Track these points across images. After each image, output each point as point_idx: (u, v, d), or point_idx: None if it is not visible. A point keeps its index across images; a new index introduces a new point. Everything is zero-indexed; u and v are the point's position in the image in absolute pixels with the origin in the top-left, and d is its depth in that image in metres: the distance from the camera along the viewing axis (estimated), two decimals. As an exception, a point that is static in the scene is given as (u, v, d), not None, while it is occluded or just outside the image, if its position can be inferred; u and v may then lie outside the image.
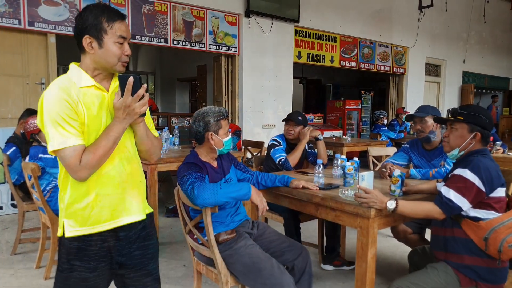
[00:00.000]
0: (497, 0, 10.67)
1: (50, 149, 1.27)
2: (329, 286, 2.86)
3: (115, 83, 1.42)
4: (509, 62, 11.71)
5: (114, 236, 1.41)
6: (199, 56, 7.71)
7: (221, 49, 6.15)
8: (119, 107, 1.30)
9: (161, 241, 3.74)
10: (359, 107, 9.08)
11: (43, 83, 4.83)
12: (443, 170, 2.58)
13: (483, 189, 1.73)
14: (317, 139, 3.21)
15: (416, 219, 2.55)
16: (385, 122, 7.46)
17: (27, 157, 3.02)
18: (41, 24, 4.63)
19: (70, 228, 1.35)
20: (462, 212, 1.79)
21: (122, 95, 1.31)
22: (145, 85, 1.34)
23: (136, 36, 5.30)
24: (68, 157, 1.26)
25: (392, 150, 4.29)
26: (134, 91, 1.30)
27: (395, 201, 1.80)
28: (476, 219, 1.78)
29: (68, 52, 8.23)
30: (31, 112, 3.35)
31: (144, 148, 1.50)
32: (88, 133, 1.32)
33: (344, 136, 6.81)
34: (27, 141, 3.20)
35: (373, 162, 4.08)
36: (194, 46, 5.88)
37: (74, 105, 1.28)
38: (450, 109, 1.89)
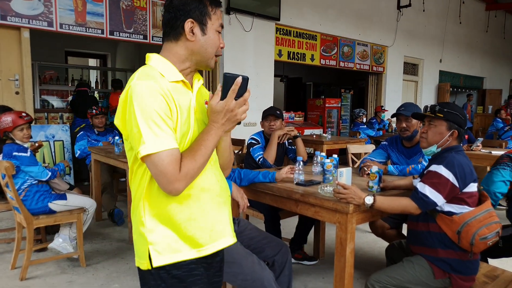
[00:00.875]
0: (472, 1, 10.97)
1: (143, 153, 1.02)
2: (309, 281, 2.89)
3: (198, 82, 1.24)
4: (483, 62, 12.07)
5: (212, 262, 1.22)
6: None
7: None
8: (220, 110, 1.11)
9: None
10: (339, 105, 9.19)
11: (17, 79, 4.70)
12: (419, 167, 2.65)
13: (457, 184, 1.79)
14: (296, 137, 3.24)
15: (393, 215, 2.61)
16: (364, 120, 7.58)
17: (1, 155, 2.94)
18: (14, 18, 4.49)
19: (159, 256, 1.11)
20: (437, 207, 1.84)
21: (223, 97, 1.12)
22: (249, 89, 1.16)
23: (115, 32, 5.21)
24: (164, 163, 1.02)
25: (371, 147, 4.36)
26: (239, 94, 1.12)
27: (373, 197, 1.84)
28: (450, 214, 1.83)
29: (44, 48, 8.01)
30: (4, 109, 3.26)
31: (224, 161, 1.32)
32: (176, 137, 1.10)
33: (324, 134, 6.88)
34: (0, 139, 3.11)
35: (352, 159, 4.14)
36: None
37: (169, 101, 1.07)
38: (428, 106, 1.92)
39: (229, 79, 1.11)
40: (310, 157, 3.62)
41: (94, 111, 4.70)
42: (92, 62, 11.81)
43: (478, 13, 11.37)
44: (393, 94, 9.34)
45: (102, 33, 5.09)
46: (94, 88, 9.42)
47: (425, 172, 1.92)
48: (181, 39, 1.15)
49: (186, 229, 1.13)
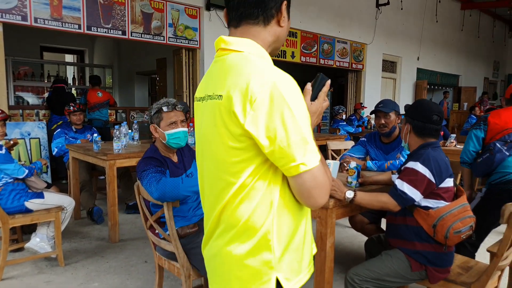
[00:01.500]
0: (448, 0, 11.22)
1: (310, 165, 0.87)
2: (291, 276, 2.92)
3: None
4: (458, 60, 12.37)
5: None
6: (158, 49, 7.55)
7: (181, 42, 6.05)
8: (315, 111, 1.05)
9: (121, 237, 3.66)
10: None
11: (-10, 75, 4.55)
12: (397, 162, 2.71)
13: (434, 180, 1.84)
14: None
15: (372, 210, 2.67)
16: (344, 117, 7.68)
17: (-26, 153, 2.85)
18: (-13, 12, 4.35)
19: (289, 283, 0.97)
20: (415, 203, 1.89)
21: (313, 97, 1.07)
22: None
23: (92, 28, 5.10)
24: (321, 175, 0.89)
25: (350, 143, 4.43)
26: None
27: (354, 192, 1.88)
28: (427, 208, 1.89)
29: (18, 42, 7.78)
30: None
31: None
32: None
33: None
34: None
35: (332, 155, 4.20)
36: (153, 38, 5.75)
37: None
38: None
39: (322, 80, 1.09)
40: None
41: (71, 108, 4.60)
42: (69, 58, 11.55)
43: (453, 12, 11.65)
44: (372, 91, 9.49)
45: (79, 28, 4.98)
46: (72, 84, 9.22)
47: (402, 168, 1.97)
48: (271, 23, 1.01)
49: (302, 250, 1.02)
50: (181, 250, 1.95)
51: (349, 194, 1.88)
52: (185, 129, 2.15)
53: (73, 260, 3.15)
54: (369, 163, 2.80)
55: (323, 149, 4.19)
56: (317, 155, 0.89)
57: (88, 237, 3.68)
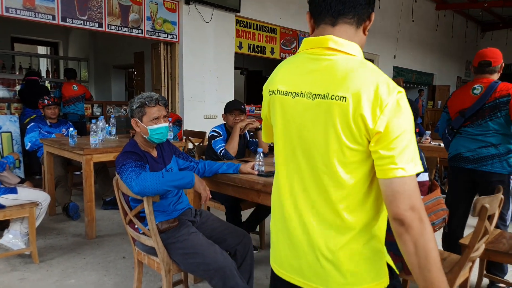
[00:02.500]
0: (424, 0, 11.48)
1: (415, 170, 0.91)
2: (270, 269, 2.95)
3: None
4: (433, 59, 12.68)
5: None
6: (136, 42, 7.42)
7: (160, 36, 5.97)
8: None
9: (98, 234, 3.60)
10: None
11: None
12: None
13: None
14: (257, 129, 3.28)
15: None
16: None
17: None
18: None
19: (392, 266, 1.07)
20: None
21: None
22: None
23: (67, 19, 4.96)
24: (413, 187, 0.92)
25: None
26: None
27: None
28: None
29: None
30: None
31: None
32: None
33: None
34: None
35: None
36: (131, 32, 5.64)
37: None
38: None
39: None
40: (271, 149, 3.67)
41: (46, 101, 4.47)
42: (42, 49, 11.19)
43: (428, 12, 11.91)
44: None
45: (53, 19, 4.83)
46: (45, 77, 8.96)
47: None
48: (360, 28, 1.02)
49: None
50: (161, 245, 1.94)
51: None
52: (167, 124, 2.13)
53: (48, 257, 3.07)
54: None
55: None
56: (417, 167, 0.92)
57: (64, 234, 3.61)
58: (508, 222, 2.71)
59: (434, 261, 0.91)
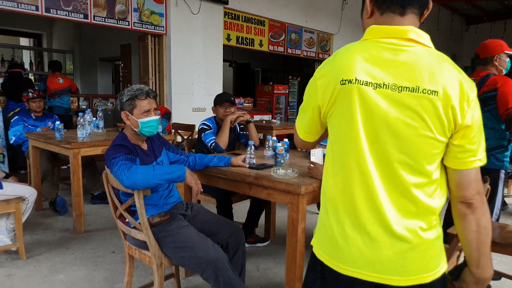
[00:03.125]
0: None
1: (483, 163, 1.03)
2: (261, 262, 2.96)
3: None
4: None
5: None
6: (123, 34, 7.30)
7: (147, 28, 5.88)
8: None
9: (87, 228, 3.56)
10: (287, 92, 9.34)
11: None
12: None
13: None
14: (248, 122, 3.27)
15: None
16: None
17: None
18: None
19: None
20: None
21: None
22: None
23: (51, 10, 4.84)
24: (480, 173, 1.05)
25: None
26: None
27: None
28: None
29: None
30: None
31: None
32: None
33: (273, 120, 6.98)
34: None
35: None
36: (117, 23, 5.54)
37: None
38: None
39: None
40: (261, 143, 3.67)
41: (30, 94, 4.38)
42: (24, 41, 10.93)
43: None
44: None
45: (37, 9, 4.71)
46: (29, 69, 8.78)
47: None
48: (420, 18, 1.05)
49: None
50: (152, 238, 1.93)
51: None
52: (158, 117, 2.11)
53: (36, 253, 3.03)
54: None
55: (290, 138, 4.24)
56: (485, 157, 1.03)
57: (51, 229, 3.56)
58: (495, 218, 2.72)
59: (490, 237, 1.06)
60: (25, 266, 2.81)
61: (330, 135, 1.11)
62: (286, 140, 2.64)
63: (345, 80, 1.00)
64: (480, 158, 1.01)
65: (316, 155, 2.21)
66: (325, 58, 7.91)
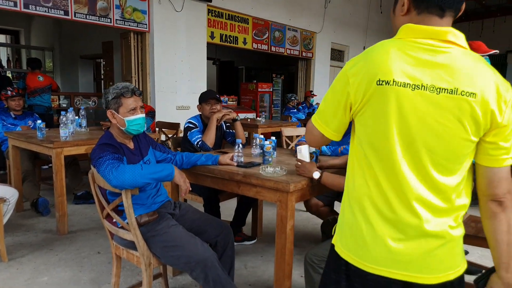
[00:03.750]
0: None
1: None
2: (249, 260, 2.97)
3: None
4: None
5: None
6: (104, 31, 7.17)
7: (129, 25, 5.79)
8: None
9: (70, 229, 3.50)
10: (271, 90, 9.36)
11: None
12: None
13: None
14: (234, 120, 3.26)
15: (327, 193, 2.77)
16: (295, 104, 7.83)
17: None
18: None
19: None
20: None
21: None
22: None
23: (30, 6, 4.72)
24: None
25: (302, 130, 4.53)
26: None
27: (320, 173, 2.00)
28: None
29: None
30: None
31: None
32: None
33: (258, 118, 6.99)
34: None
35: (286, 142, 4.27)
36: (99, 20, 5.44)
37: None
38: None
39: None
40: (247, 141, 3.67)
41: (9, 92, 4.26)
42: (1, 38, 10.63)
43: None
44: (321, 80, 9.72)
45: (15, 5, 4.58)
46: (6, 67, 8.55)
47: None
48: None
49: None
50: (140, 238, 1.91)
51: (316, 175, 2.02)
52: (144, 115, 2.09)
53: (18, 255, 2.96)
54: (324, 147, 2.89)
55: (277, 136, 4.26)
56: None
57: (34, 230, 3.48)
58: None
59: None
60: (7, 268, 2.74)
61: (358, 134, 1.09)
62: (273, 138, 2.65)
63: (382, 81, 0.99)
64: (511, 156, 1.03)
65: (302, 152, 2.22)
66: (309, 56, 7.97)
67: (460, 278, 1.07)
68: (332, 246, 1.17)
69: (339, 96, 1.07)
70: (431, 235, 1.02)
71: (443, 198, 1.03)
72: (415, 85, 0.98)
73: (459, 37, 1.01)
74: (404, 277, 1.03)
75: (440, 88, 0.97)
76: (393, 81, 0.98)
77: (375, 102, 1.01)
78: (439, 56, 0.98)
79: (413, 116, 0.99)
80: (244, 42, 7.60)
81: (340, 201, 2.39)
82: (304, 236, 3.47)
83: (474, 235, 2.32)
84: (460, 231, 1.07)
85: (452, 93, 0.97)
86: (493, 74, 0.99)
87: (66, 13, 5.10)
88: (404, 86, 0.98)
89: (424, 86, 0.97)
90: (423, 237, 1.02)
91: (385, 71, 0.98)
